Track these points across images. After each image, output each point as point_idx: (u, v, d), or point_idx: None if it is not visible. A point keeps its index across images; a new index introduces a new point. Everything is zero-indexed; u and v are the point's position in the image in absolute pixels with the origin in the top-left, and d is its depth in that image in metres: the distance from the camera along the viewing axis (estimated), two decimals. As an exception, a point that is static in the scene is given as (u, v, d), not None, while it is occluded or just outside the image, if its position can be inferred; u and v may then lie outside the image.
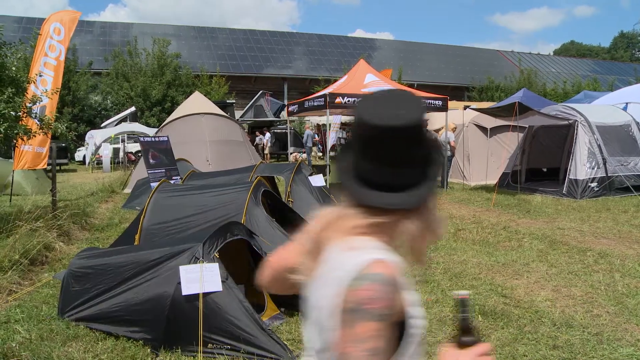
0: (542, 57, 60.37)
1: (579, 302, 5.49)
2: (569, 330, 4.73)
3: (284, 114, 28.66)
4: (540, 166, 15.49)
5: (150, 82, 32.72)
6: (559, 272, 6.58)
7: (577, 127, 13.09)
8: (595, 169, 12.81)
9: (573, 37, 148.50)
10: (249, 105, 33.19)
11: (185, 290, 4.29)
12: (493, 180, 14.82)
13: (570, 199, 12.37)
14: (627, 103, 15.82)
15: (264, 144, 29.23)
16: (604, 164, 12.84)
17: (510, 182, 14.43)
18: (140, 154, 15.74)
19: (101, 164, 24.86)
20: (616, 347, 4.39)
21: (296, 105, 15.31)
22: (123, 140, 25.77)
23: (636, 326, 4.83)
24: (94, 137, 25.76)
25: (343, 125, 29.57)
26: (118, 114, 30.70)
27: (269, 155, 29.00)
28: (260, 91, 33.93)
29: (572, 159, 13.00)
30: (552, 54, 72.97)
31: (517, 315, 5.11)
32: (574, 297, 5.63)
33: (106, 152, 24.59)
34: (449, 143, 15.12)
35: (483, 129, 16.37)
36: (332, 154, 24.96)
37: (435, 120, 17.13)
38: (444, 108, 14.72)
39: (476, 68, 48.25)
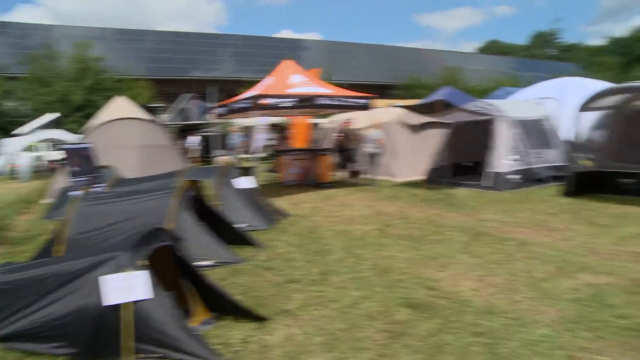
0: (465, 55, 62.20)
1: (501, 289, 5.69)
2: (491, 317, 4.89)
3: (211, 117, 28.35)
4: (465, 161, 15.92)
5: (71, 87, 31.63)
6: (482, 262, 6.80)
7: (497, 122, 13.57)
8: (515, 161, 13.31)
9: (495, 35, 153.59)
10: (175, 108, 32.69)
11: (109, 300, 4.17)
12: (419, 176, 15.15)
13: (493, 192, 12.79)
14: (542, 98, 16.51)
15: (191, 148, 28.81)
16: (523, 156, 13.37)
17: (436, 178, 14.76)
18: (62, 162, 15.22)
19: (18, 173, 23.83)
20: (534, 329, 4.61)
21: (223, 108, 15.16)
22: (44, 148, 24.82)
23: (552, 308, 5.07)
24: (9, 145, 24.66)
25: (274, 127, 29.51)
26: (37, 120, 29.50)
27: (196, 159, 28.59)
28: (187, 94, 33.49)
29: (493, 153, 13.45)
30: (475, 52, 75.31)
31: (443, 306, 5.24)
32: (496, 286, 5.83)
33: (24, 160, 23.57)
34: (376, 140, 15.34)
35: (409, 126, 16.72)
36: (262, 155, 24.89)
37: (362, 118, 17.39)
38: (370, 106, 14.87)
39: (402, 67, 49.25)
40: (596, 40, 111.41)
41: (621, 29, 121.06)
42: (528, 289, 5.65)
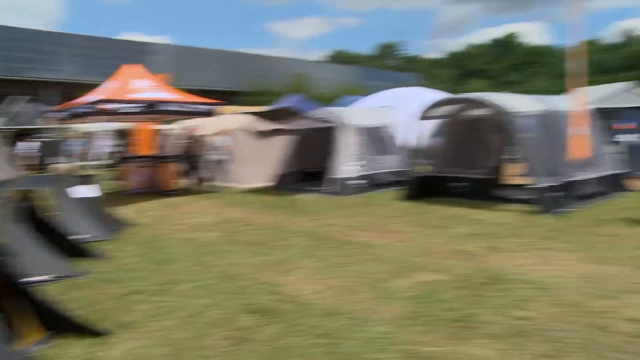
0: (313, 64, 63.85)
1: (343, 291, 5.93)
2: (333, 318, 5.08)
3: (48, 121, 26.66)
4: (312, 167, 16.31)
5: None
6: (326, 265, 7.03)
7: (341, 129, 14.11)
8: (359, 167, 13.93)
9: (344, 45, 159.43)
10: (9, 111, 30.41)
11: None
12: (266, 183, 15.30)
13: (338, 197, 13.25)
14: (383, 106, 17.39)
15: (27, 154, 26.89)
16: (367, 162, 14.02)
17: (283, 184, 15.00)
18: None
19: None
20: (373, 327, 4.85)
21: (63, 112, 14.29)
22: None
23: (390, 307, 5.38)
24: None
25: (119, 133, 28.33)
26: None
27: (33, 166, 26.72)
28: (22, 96, 31.32)
29: (336, 159, 13.96)
30: (323, 60, 77.64)
31: (287, 310, 5.35)
32: (339, 287, 6.06)
33: None
34: (223, 147, 15.29)
35: (256, 132, 16.83)
36: (105, 162, 23.91)
37: (209, 125, 17.24)
38: (216, 112, 14.76)
39: (250, 73, 49.44)
40: (435, 53, 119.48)
41: (455, 44, 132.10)
42: (368, 290, 5.94)
